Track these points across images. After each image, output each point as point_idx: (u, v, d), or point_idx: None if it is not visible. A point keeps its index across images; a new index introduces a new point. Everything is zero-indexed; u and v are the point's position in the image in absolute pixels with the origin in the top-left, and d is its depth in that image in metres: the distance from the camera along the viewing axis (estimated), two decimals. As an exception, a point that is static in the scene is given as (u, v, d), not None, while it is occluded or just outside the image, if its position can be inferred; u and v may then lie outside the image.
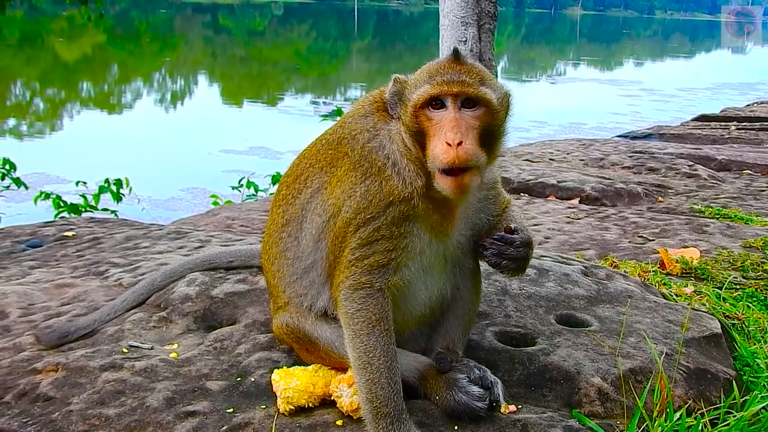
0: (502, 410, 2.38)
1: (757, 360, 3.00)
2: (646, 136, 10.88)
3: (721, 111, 14.58)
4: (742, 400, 2.57)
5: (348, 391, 2.35)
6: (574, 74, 40.13)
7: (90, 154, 14.59)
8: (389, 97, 2.34)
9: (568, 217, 5.62)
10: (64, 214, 8.71)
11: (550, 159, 8.22)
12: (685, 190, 6.80)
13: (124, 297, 3.15)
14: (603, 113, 22.06)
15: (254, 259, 3.29)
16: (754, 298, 3.84)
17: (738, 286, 3.99)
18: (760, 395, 2.59)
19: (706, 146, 9.41)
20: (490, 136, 2.25)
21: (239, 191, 9.78)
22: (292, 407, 2.36)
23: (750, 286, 3.99)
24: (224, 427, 2.29)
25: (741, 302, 3.71)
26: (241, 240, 4.18)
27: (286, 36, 58.07)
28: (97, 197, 9.33)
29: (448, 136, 2.14)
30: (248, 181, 9.81)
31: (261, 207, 6.10)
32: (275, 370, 2.47)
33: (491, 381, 2.40)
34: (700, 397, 2.54)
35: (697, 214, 5.81)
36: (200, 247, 4.04)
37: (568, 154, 8.49)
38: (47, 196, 9.12)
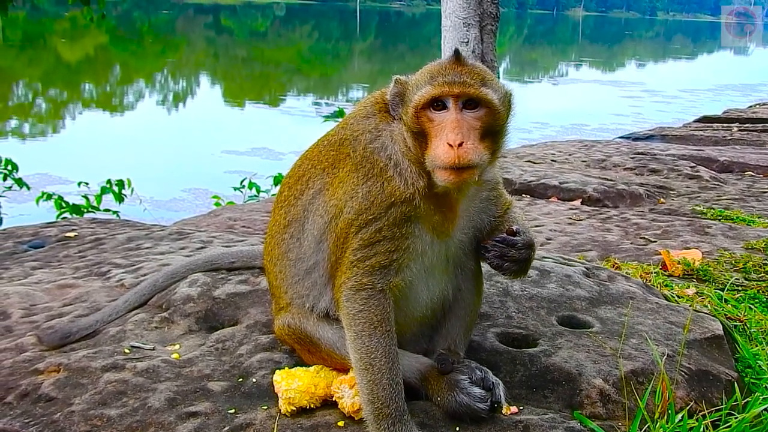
0: (503, 411, 2.38)
1: (758, 362, 2.99)
2: (648, 138, 10.88)
3: (723, 112, 14.57)
4: (743, 401, 2.56)
5: (350, 392, 2.35)
6: (576, 75, 40.14)
7: (92, 155, 14.61)
8: (390, 98, 2.34)
9: (570, 218, 5.62)
10: (66, 214, 8.74)
11: (552, 160, 8.21)
12: (687, 191, 6.79)
13: (125, 298, 3.15)
14: (605, 114, 22.06)
15: (256, 260, 3.29)
16: (756, 300, 3.83)
17: (740, 288, 3.99)
18: (761, 397, 2.59)
19: (708, 147, 9.40)
20: (491, 136, 2.24)
21: (241, 192, 9.81)
22: (294, 408, 2.36)
23: (752, 288, 3.99)
24: (226, 428, 2.29)
25: (743, 304, 3.71)
26: (243, 241, 4.18)
27: (288, 37, 58.15)
28: (99, 198, 9.36)
29: (450, 137, 2.14)
30: (250, 182, 9.83)
31: (263, 208, 6.10)
32: (277, 371, 2.47)
33: (493, 382, 2.40)
34: (702, 399, 2.54)
35: (699, 215, 5.80)
36: (202, 247, 4.04)
37: (569, 155, 8.48)
38: (49, 196, 9.14)
